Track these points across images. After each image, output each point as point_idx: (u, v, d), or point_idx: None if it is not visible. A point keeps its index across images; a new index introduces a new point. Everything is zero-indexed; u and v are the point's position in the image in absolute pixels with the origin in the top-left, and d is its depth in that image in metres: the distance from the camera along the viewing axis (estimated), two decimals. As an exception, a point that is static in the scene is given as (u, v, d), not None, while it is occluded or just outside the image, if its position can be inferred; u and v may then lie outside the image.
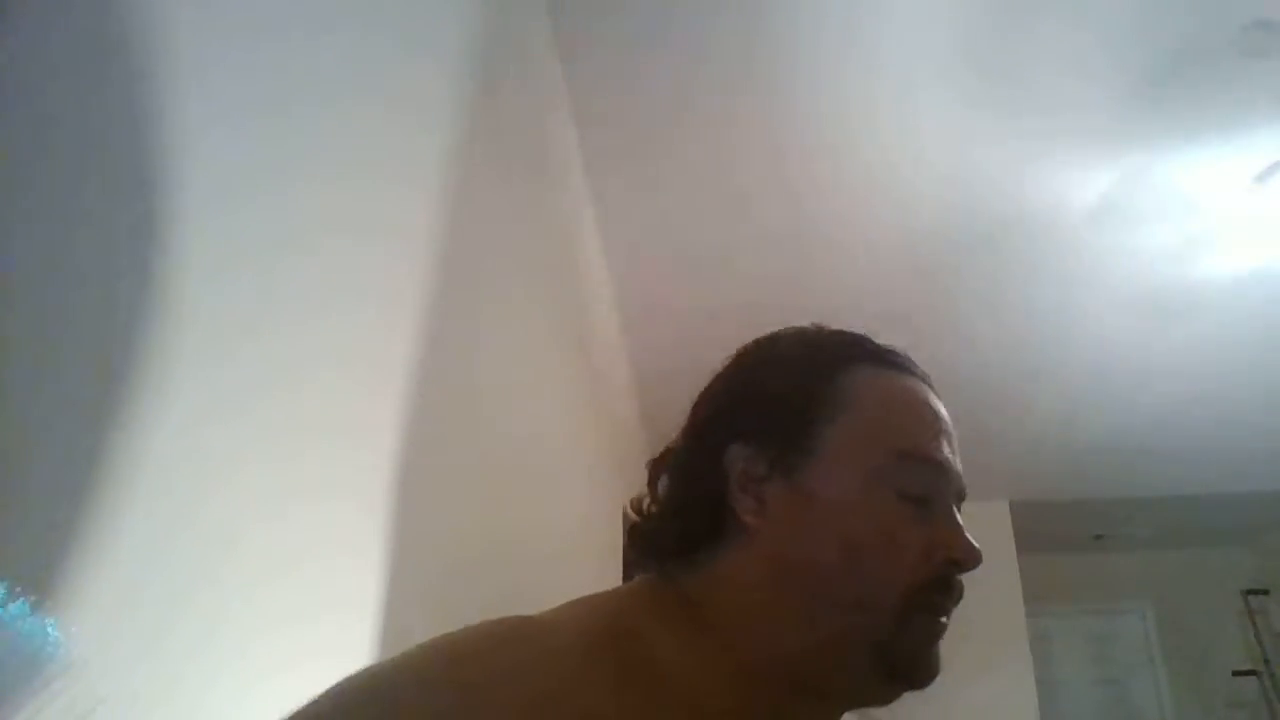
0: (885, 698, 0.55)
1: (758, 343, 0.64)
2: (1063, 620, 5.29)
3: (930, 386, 0.62)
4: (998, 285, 2.85)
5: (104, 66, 0.53)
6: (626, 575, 0.69)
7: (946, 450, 0.59)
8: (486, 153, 1.43)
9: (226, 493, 0.63)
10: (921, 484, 0.56)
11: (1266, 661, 4.82)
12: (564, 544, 1.94)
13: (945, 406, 0.61)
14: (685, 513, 0.59)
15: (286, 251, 0.75)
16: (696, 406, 0.63)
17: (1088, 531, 5.21)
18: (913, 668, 0.53)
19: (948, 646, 0.55)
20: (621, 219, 2.50)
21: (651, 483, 0.63)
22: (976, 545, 0.56)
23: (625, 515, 0.65)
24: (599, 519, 2.42)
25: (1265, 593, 5.04)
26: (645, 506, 0.63)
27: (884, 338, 0.65)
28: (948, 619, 0.55)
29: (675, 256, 2.66)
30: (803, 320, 0.65)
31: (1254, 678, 4.86)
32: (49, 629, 0.45)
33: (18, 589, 0.43)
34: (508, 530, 1.46)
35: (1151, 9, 1.86)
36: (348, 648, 0.82)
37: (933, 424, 0.59)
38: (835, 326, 0.65)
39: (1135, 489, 4.49)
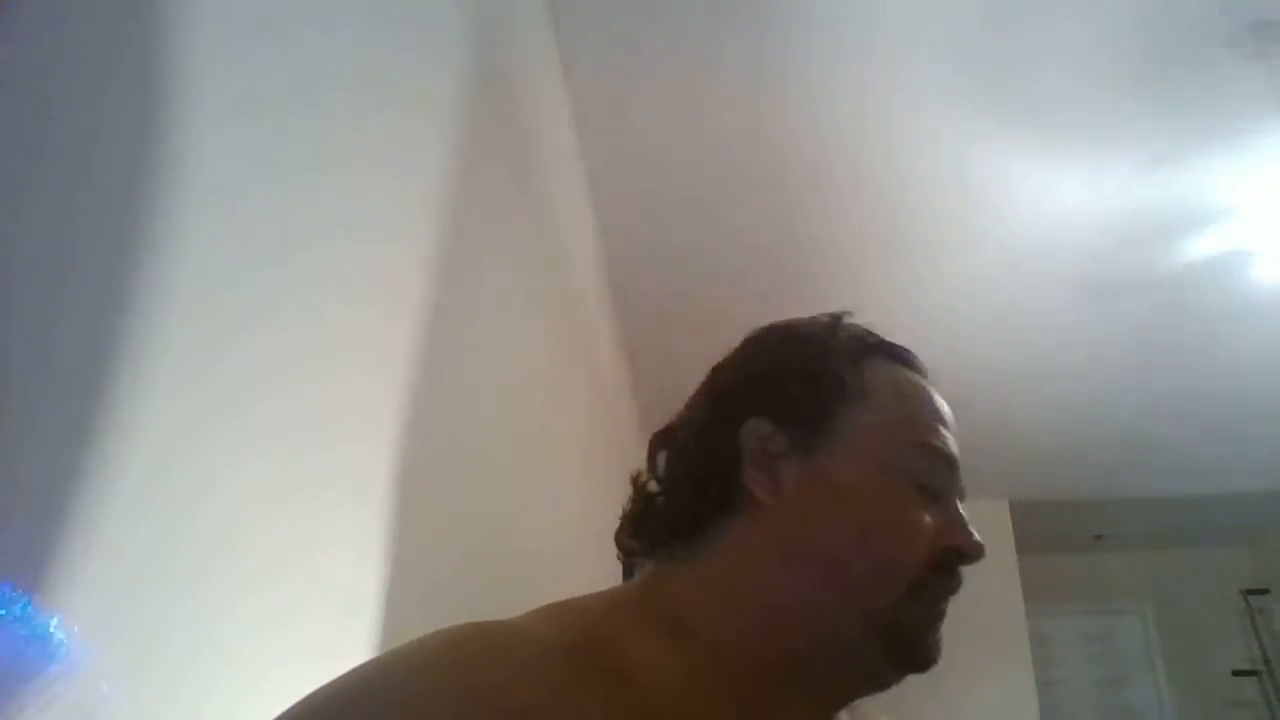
0: (886, 680, 0.55)
1: (775, 325, 0.64)
2: (1063, 620, 5.29)
3: (937, 388, 0.64)
4: (998, 287, 2.85)
5: (104, 65, 0.53)
6: (625, 565, 0.68)
7: (954, 447, 0.60)
8: (486, 150, 1.43)
9: (227, 491, 0.63)
10: (935, 476, 0.57)
11: (1266, 661, 4.82)
12: (563, 540, 1.95)
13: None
14: (695, 487, 0.58)
15: (286, 249, 0.75)
16: (713, 380, 0.63)
17: (1088, 531, 5.21)
18: (915, 648, 0.54)
19: (948, 647, 0.55)
20: (621, 218, 2.50)
21: (651, 458, 0.62)
22: (980, 539, 0.57)
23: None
24: (598, 514, 2.42)
25: (1265, 593, 5.04)
26: (644, 484, 0.61)
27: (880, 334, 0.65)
28: (945, 611, 0.56)
29: (676, 257, 2.66)
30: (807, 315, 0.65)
31: (1254, 678, 4.86)
32: (51, 628, 0.45)
33: (19, 588, 0.43)
34: (507, 526, 1.46)
35: (1151, 9, 1.86)
36: (348, 646, 0.82)
37: (946, 421, 0.60)
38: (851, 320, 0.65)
39: (1135, 489, 4.49)
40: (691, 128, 2.19)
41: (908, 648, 0.54)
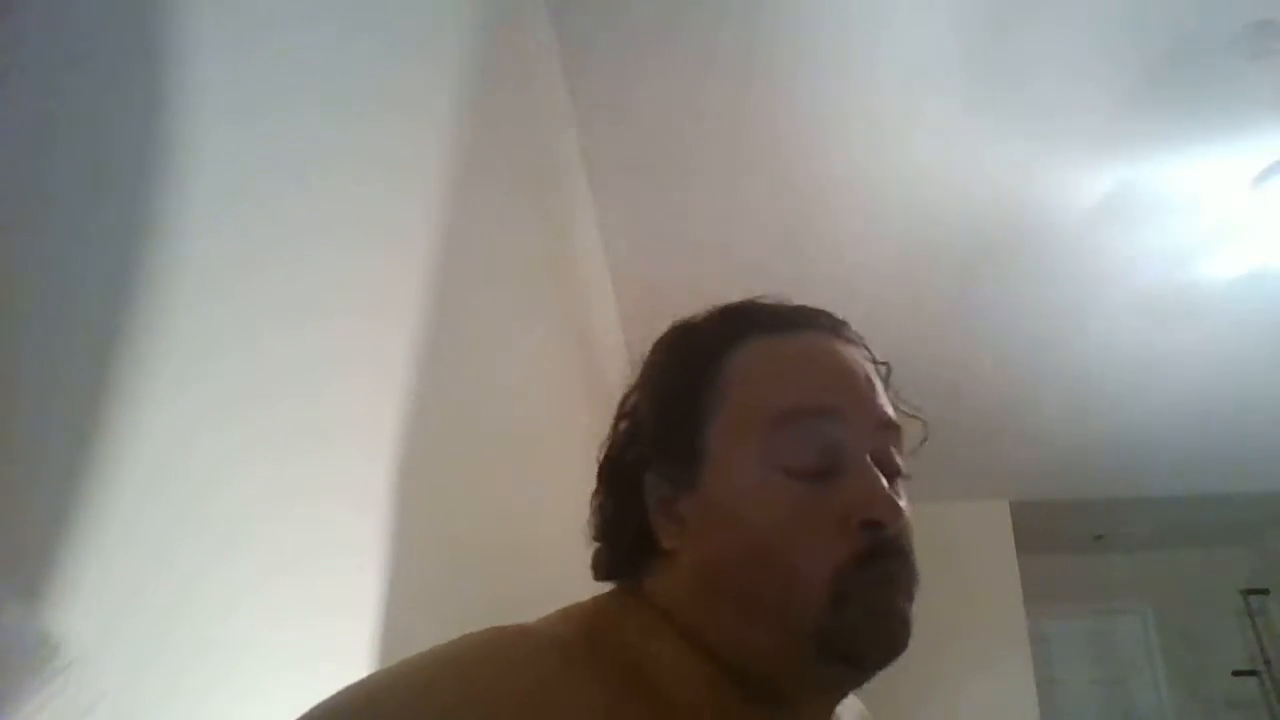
0: (854, 681, 0.52)
1: (648, 360, 0.63)
2: (1063, 620, 5.29)
3: (838, 334, 0.58)
4: (998, 285, 2.85)
5: (106, 70, 0.53)
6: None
7: (845, 395, 0.53)
8: (487, 154, 1.43)
9: (227, 494, 0.63)
10: (810, 446, 0.51)
11: (1267, 661, 4.82)
12: (564, 544, 1.94)
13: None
14: (619, 539, 0.59)
15: (287, 253, 0.75)
16: (611, 433, 0.63)
17: (1088, 531, 5.21)
18: (866, 647, 0.49)
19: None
20: (622, 220, 2.50)
21: (593, 506, 0.62)
22: (895, 497, 0.50)
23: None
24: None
25: (1265, 593, 5.04)
26: (592, 533, 0.62)
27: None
28: (900, 587, 0.50)
29: (676, 258, 2.66)
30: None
31: (1254, 678, 4.86)
32: (50, 627, 0.45)
33: (19, 587, 0.43)
34: (508, 530, 1.46)
35: (1151, 9, 1.86)
36: (348, 646, 0.83)
37: (820, 372, 0.54)
38: (728, 301, 0.62)
39: (1135, 489, 4.49)
40: (693, 128, 2.19)
41: (859, 651, 0.49)
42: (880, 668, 0.50)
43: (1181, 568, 5.40)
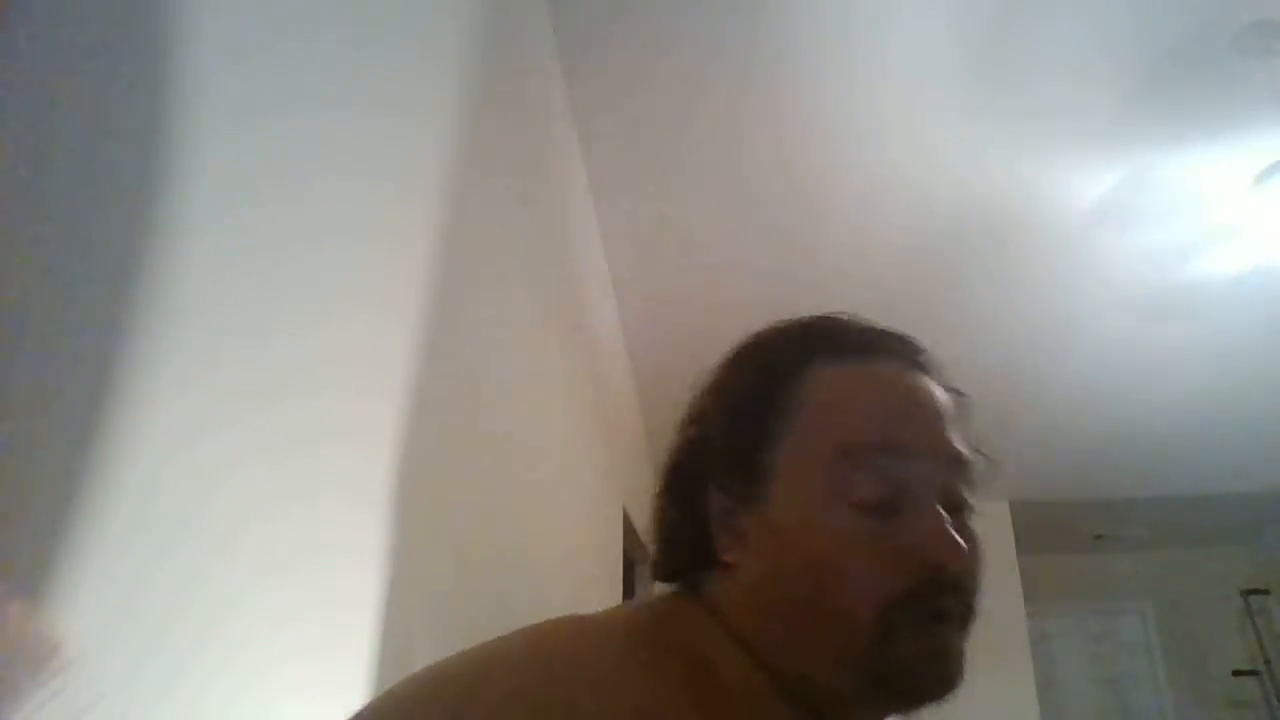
0: (901, 713, 0.52)
1: (723, 363, 0.62)
2: (1063, 620, 5.30)
3: (915, 363, 0.58)
4: (1000, 286, 2.85)
5: (107, 71, 0.53)
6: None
7: (916, 430, 0.53)
8: (487, 154, 1.43)
9: (227, 495, 0.63)
10: (877, 482, 0.51)
11: (1267, 661, 4.82)
12: (564, 543, 1.95)
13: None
14: (679, 544, 0.60)
15: (288, 255, 0.75)
16: (679, 438, 0.62)
17: (1088, 531, 5.21)
18: (914, 682, 0.49)
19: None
20: (623, 219, 2.50)
21: (655, 507, 0.63)
22: (961, 541, 0.50)
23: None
24: (599, 518, 2.42)
25: (1265, 593, 5.05)
26: (654, 536, 0.63)
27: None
28: (954, 623, 0.50)
29: (676, 257, 2.67)
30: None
31: (1254, 678, 4.86)
32: (50, 627, 0.45)
33: (19, 587, 0.43)
34: (508, 531, 1.46)
35: (1151, 9, 1.86)
36: (347, 646, 0.83)
37: (893, 406, 0.54)
38: (804, 315, 0.61)
39: (1135, 489, 4.49)
40: (693, 126, 2.19)
41: (908, 687, 0.49)
42: (929, 704, 0.50)
43: (1181, 568, 5.40)
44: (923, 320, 3.10)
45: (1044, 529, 4.74)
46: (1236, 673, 4.93)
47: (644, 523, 0.67)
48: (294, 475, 0.74)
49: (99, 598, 0.49)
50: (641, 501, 3.11)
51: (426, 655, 0.99)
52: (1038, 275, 2.79)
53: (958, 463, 0.54)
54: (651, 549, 0.63)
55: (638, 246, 2.62)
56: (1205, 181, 2.36)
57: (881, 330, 0.60)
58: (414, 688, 0.48)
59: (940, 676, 0.49)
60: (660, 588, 0.61)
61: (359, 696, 0.83)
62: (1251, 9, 1.86)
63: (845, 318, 0.61)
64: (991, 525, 4.32)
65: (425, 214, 1.12)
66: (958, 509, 0.53)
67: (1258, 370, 3.27)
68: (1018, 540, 4.41)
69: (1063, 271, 2.76)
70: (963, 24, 1.89)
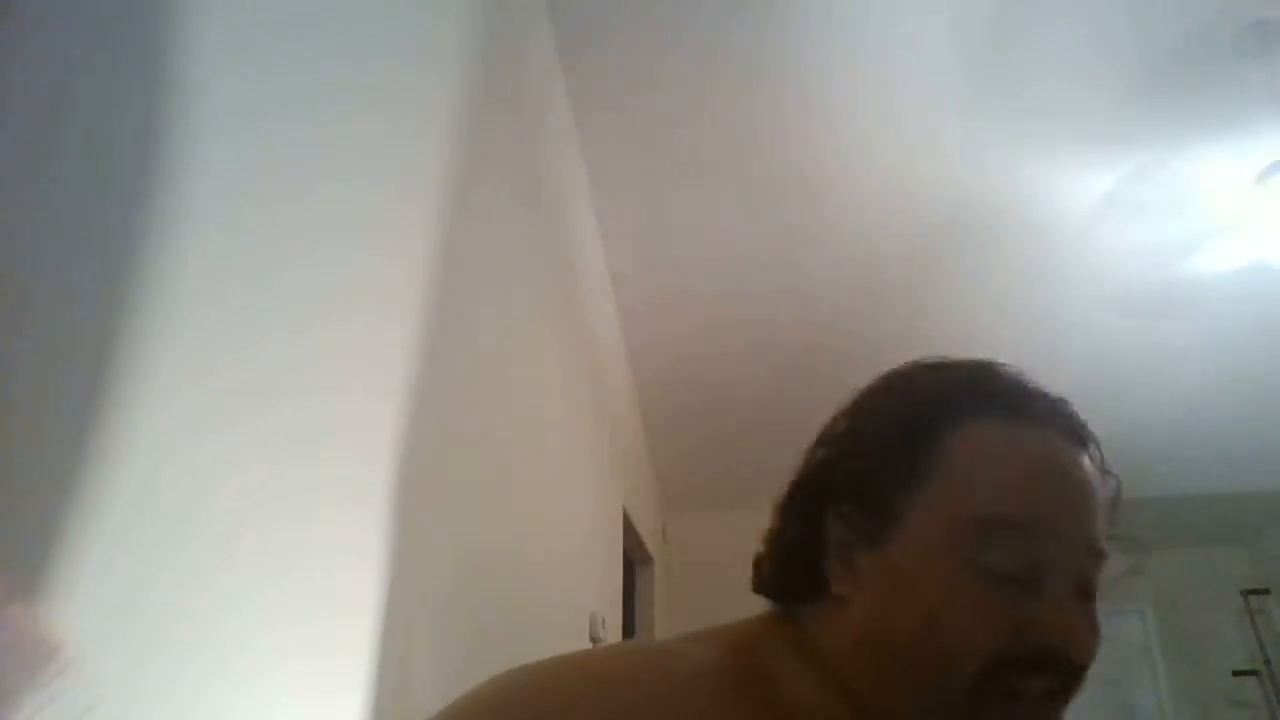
0: None
1: (871, 388, 0.60)
2: (1063, 620, 5.28)
3: (1073, 434, 0.56)
4: (1000, 286, 2.85)
5: (108, 73, 0.53)
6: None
7: (1063, 513, 0.52)
8: (487, 154, 1.43)
9: (224, 493, 0.63)
10: (1015, 558, 0.49)
11: (1267, 661, 4.82)
12: (564, 543, 1.94)
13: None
14: (789, 569, 0.59)
15: (287, 254, 0.75)
16: (807, 455, 0.61)
17: (1088, 531, 5.21)
18: None
19: None
20: (623, 220, 2.50)
21: (773, 522, 0.62)
22: (1088, 638, 0.50)
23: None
24: (599, 518, 2.42)
25: (1265, 593, 5.04)
26: (764, 546, 0.62)
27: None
28: (1048, 705, 0.49)
29: (676, 257, 2.66)
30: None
31: (1254, 678, 4.86)
32: (50, 627, 0.45)
33: (19, 587, 0.43)
34: (508, 531, 1.46)
35: (1150, 9, 1.86)
36: (345, 646, 0.82)
37: (1042, 480, 0.52)
38: (961, 359, 0.59)
39: (1135, 489, 4.47)
40: (694, 126, 2.19)
41: None
42: None
43: (1181, 568, 5.40)
44: (923, 317, 3.08)
45: (1044, 529, 4.74)
46: (1236, 673, 4.92)
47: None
48: (292, 475, 0.74)
49: (96, 597, 0.49)
50: (642, 501, 3.12)
51: (426, 655, 0.99)
52: (1037, 273, 2.79)
53: (1097, 555, 0.53)
54: (760, 558, 0.61)
55: (638, 246, 2.61)
56: (1205, 181, 2.36)
57: (1045, 393, 0.58)
58: (493, 703, 0.49)
59: None
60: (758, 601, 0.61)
61: (359, 696, 0.83)
62: (1251, 9, 1.86)
63: (1002, 369, 0.59)
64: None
65: (425, 214, 1.12)
66: (1088, 597, 0.52)
67: (1258, 370, 3.27)
68: (1017, 540, 4.40)
69: (1062, 269, 2.76)
70: (963, 24, 1.89)
